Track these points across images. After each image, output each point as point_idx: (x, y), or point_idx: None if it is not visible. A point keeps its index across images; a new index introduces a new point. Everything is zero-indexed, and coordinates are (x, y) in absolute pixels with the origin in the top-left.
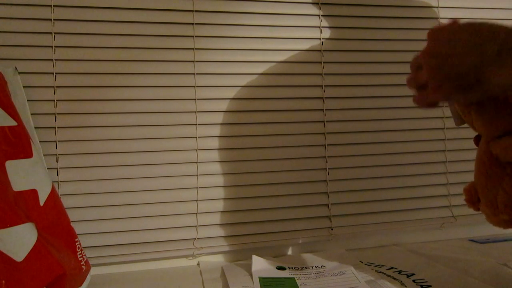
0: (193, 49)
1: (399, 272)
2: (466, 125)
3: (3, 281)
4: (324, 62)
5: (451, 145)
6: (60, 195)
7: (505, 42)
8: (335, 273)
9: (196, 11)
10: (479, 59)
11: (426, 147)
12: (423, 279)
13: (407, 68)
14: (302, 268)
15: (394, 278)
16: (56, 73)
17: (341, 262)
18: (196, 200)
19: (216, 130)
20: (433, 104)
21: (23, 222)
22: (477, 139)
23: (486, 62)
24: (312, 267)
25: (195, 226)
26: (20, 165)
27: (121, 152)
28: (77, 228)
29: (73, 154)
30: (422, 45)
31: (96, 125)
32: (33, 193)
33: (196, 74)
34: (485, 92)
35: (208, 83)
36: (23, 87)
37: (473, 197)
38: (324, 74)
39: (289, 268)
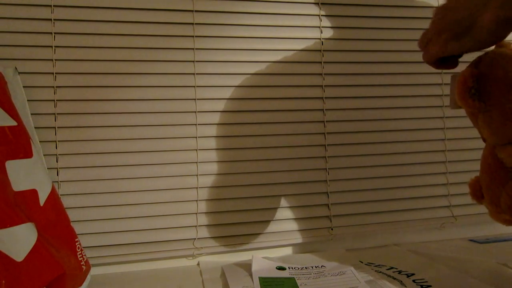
0: (193, 49)
1: (399, 272)
2: (464, 124)
3: (3, 281)
4: (324, 62)
5: (451, 145)
6: (60, 195)
7: None
8: (335, 273)
9: (196, 11)
10: (475, 7)
11: (426, 147)
12: (423, 279)
13: (407, 68)
14: (302, 268)
15: (394, 278)
16: (56, 73)
17: (341, 262)
18: (196, 200)
19: (216, 130)
20: (434, 59)
21: (23, 222)
22: None
23: (479, 9)
24: (312, 267)
25: (195, 226)
26: (20, 165)
27: (121, 152)
28: (77, 228)
29: (73, 154)
30: None
31: (96, 125)
32: (33, 193)
33: (196, 74)
34: (475, 39)
35: (208, 83)
36: (23, 87)
37: (478, 192)
38: (324, 74)
39: (289, 268)
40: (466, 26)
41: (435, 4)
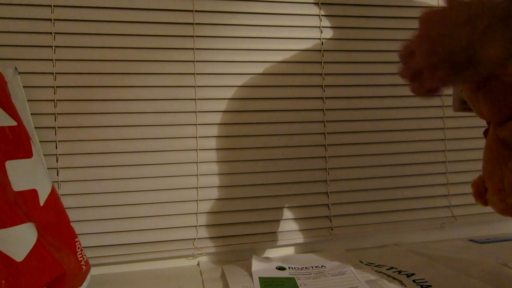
0: (193, 49)
1: (399, 272)
2: (464, 124)
3: (3, 281)
4: (324, 62)
5: (451, 145)
6: (60, 195)
7: (493, 16)
8: (335, 273)
9: (196, 11)
10: (470, 36)
11: (426, 147)
12: (423, 279)
13: None
14: (302, 268)
15: (394, 278)
16: (56, 73)
17: (341, 262)
18: (196, 200)
19: (216, 130)
20: (431, 91)
21: (23, 222)
22: (486, 132)
23: (476, 39)
24: (312, 267)
25: (195, 226)
26: (20, 165)
27: (121, 152)
28: (77, 228)
29: (73, 154)
30: None
31: (96, 125)
32: (33, 193)
33: (196, 74)
34: (478, 71)
35: (208, 83)
36: (23, 87)
37: (481, 188)
38: (324, 74)
39: (289, 268)
40: (465, 59)
41: (435, 3)
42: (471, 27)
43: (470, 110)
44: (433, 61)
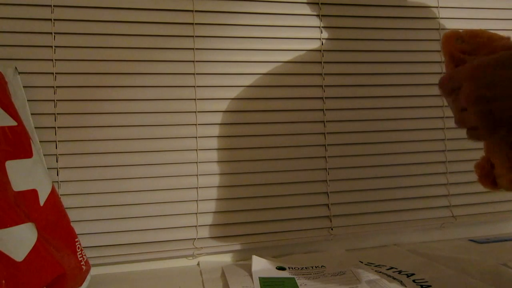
0: (193, 49)
1: (399, 272)
2: None
3: (3, 281)
4: (324, 62)
5: (451, 145)
6: (60, 195)
7: None
8: (335, 273)
9: (196, 11)
10: None
11: (426, 147)
12: (423, 279)
13: (407, 68)
14: (302, 268)
15: (394, 278)
16: (56, 73)
17: (341, 262)
18: (196, 200)
19: (216, 130)
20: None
21: (23, 222)
22: None
23: None
24: (312, 267)
25: (195, 226)
26: (20, 165)
27: (121, 152)
28: (77, 228)
29: (73, 154)
30: (422, 45)
31: (96, 125)
32: (33, 193)
33: (196, 74)
34: None
35: (208, 83)
36: (23, 87)
37: (486, 167)
38: (324, 74)
39: (289, 268)
40: None
41: (435, 4)
42: None
43: None
44: (491, 122)
